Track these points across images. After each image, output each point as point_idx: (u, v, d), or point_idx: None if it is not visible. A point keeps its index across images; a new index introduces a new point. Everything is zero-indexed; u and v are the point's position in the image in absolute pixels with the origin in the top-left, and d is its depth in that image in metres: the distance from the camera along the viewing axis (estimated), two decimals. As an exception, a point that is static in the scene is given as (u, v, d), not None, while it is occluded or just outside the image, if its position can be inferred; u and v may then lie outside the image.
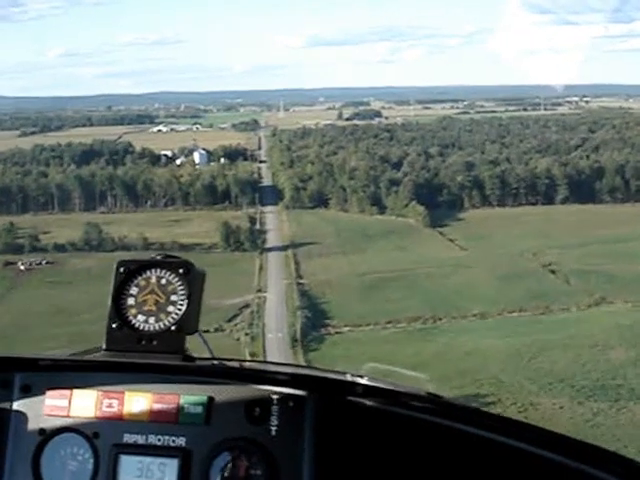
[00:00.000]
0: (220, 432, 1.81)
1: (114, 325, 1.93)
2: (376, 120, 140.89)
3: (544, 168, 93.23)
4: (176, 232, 79.49)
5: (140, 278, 1.95)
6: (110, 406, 1.87)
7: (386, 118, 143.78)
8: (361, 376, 1.91)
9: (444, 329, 55.95)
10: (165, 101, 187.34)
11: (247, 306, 60.90)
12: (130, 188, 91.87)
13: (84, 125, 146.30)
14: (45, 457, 1.88)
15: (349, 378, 1.91)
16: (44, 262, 73.33)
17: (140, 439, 1.84)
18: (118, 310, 1.94)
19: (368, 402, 1.82)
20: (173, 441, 1.82)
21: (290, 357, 48.22)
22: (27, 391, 1.93)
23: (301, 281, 67.54)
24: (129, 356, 1.89)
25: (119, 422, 1.86)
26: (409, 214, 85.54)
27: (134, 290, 1.95)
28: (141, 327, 1.92)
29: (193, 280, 1.93)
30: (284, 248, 77.29)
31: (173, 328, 1.90)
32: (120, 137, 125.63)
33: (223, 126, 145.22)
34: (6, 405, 1.93)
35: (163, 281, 1.94)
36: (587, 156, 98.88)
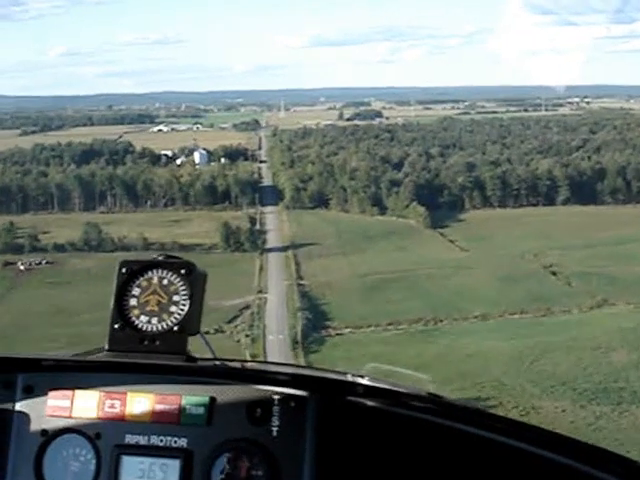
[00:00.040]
0: (222, 433, 1.81)
1: (116, 325, 1.93)
2: (377, 120, 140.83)
3: (545, 169, 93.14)
4: (176, 232, 79.36)
5: (142, 279, 1.95)
6: (112, 407, 1.87)
7: (387, 118, 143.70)
8: (362, 376, 1.91)
9: (445, 331, 55.80)
10: (166, 101, 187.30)
11: (247, 307, 60.75)
12: (130, 188, 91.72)
13: (84, 125, 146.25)
14: (47, 458, 1.88)
15: (350, 378, 1.91)
16: (44, 262, 73.21)
17: (142, 440, 1.84)
18: (120, 310, 1.94)
19: (369, 402, 1.82)
20: (175, 442, 1.83)
21: (291, 359, 48.02)
22: (29, 392, 1.93)
23: (301, 282, 67.38)
24: (132, 356, 1.89)
25: (121, 423, 1.86)
26: (410, 215, 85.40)
27: (136, 291, 1.94)
28: (144, 328, 1.92)
29: (195, 281, 1.94)
30: (284, 249, 77.15)
31: (175, 329, 1.90)
32: (120, 137, 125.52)
33: (224, 126, 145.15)
34: (8, 406, 1.93)
35: (165, 281, 1.94)
36: (588, 157, 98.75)
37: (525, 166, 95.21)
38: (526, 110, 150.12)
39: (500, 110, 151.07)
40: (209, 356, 2.02)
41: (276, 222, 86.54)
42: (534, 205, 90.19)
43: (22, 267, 71.99)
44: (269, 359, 47.37)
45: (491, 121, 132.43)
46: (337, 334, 55.59)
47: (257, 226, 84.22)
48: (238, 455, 1.78)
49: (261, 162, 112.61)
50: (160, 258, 1.97)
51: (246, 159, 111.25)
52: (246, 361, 2.29)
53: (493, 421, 1.79)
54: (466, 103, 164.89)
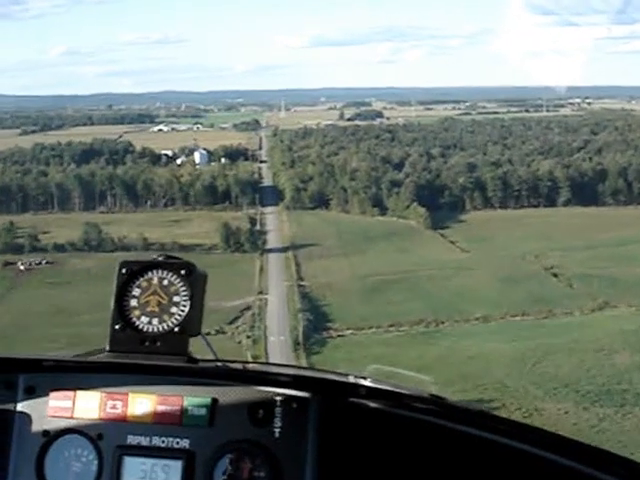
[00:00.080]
0: (224, 434, 1.82)
1: (117, 326, 1.93)
2: (377, 121, 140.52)
3: (546, 170, 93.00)
4: (176, 232, 79.19)
5: (142, 279, 1.94)
6: (114, 407, 1.87)
7: (388, 119, 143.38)
8: (364, 377, 1.92)
9: (447, 332, 55.63)
10: (166, 100, 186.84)
11: (248, 308, 60.56)
12: (130, 188, 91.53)
13: (85, 124, 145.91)
14: (49, 459, 1.88)
15: (352, 380, 1.92)
16: (44, 262, 73.04)
17: (144, 441, 1.84)
18: (121, 311, 1.93)
19: (371, 404, 1.83)
20: (177, 443, 1.83)
21: (292, 360, 47.89)
22: (31, 392, 1.93)
23: (302, 283, 67.19)
24: (133, 357, 1.89)
25: (123, 423, 1.86)
26: (410, 216, 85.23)
27: (136, 291, 1.94)
28: (144, 328, 1.92)
29: (195, 281, 1.93)
30: (285, 249, 76.98)
31: (176, 329, 1.91)
32: (121, 136, 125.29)
33: (224, 126, 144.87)
34: (10, 406, 1.93)
35: (165, 282, 1.93)
36: (590, 158, 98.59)
37: (526, 167, 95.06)
38: (527, 111, 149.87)
39: (501, 111, 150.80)
40: (210, 357, 2.02)
41: (276, 222, 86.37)
42: (535, 206, 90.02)
43: (22, 267, 71.82)
44: (271, 361, 47.21)
45: (492, 122, 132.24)
46: (338, 335, 55.42)
47: (257, 226, 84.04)
48: (240, 456, 1.78)
49: (261, 162, 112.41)
50: (160, 258, 1.96)
51: (246, 159, 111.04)
52: (248, 362, 2.28)
53: (496, 423, 1.78)
54: (467, 103, 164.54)
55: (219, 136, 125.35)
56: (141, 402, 1.86)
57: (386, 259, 72.39)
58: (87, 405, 1.88)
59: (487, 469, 1.75)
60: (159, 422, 1.84)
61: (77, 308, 58.45)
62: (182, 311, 1.91)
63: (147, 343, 1.90)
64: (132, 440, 1.84)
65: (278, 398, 1.81)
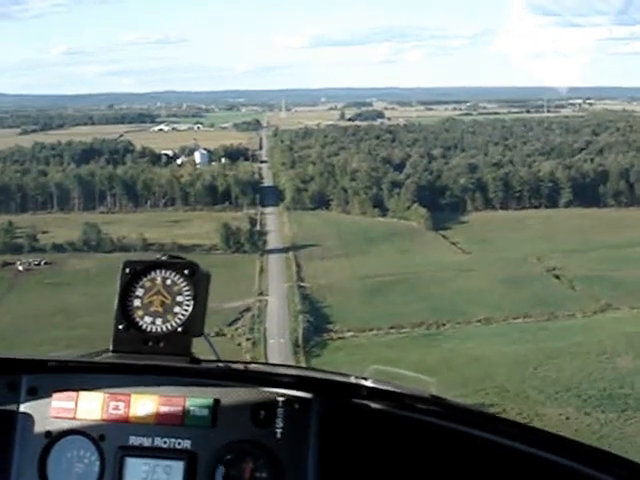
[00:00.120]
0: (226, 435, 1.83)
1: (121, 326, 1.93)
2: (378, 121, 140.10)
3: (547, 171, 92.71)
4: (176, 233, 78.90)
5: (145, 279, 1.95)
6: (116, 408, 1.88)
7: (388, 119, 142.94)
8: (365, 378, 1.91)
9: (448, 335, 55.25)
10: (167, 100, 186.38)
11: (248, 309, 60.23)
12: (130, 188, 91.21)
13: (85, 124, 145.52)
14: (51, 459, 1.89)
15: (354, 380, 1.93)
16: (43, 262, 72.70)
17: (146, 441, 1.85)
18: (125, 311, 1.94)
19: (373, 404, 1.84)
20: (179, 443, 1.84)
21: (292, 363, 47.63)
22: (34, 393, 1.94)
23: (302, 284, 66.86)
24: (136, 358, 1.90)
25: (125, 424, 1.87)
26: (411, 216, 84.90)
27: (140, 291, 1.95)
28: (148, 328, 1.92)
29: (198, 281, 1.94)
30: (285, 250, 76.68)
31: (180, 330, 1.91)
32: (121, 136, 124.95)
33: (225, 126, 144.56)
34: (13, 407, 1.94)
35: (168, 282, 1.94)
36: (591, 159, 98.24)
37: (527, 168, 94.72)
38: (528, 111, 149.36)
39: (502, 111, 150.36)
40: (213, 358, 2.01)
41: (276, 223, 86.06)
42: (536, 207, 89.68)
43: (21, 268, 71.48)
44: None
45: (493, 122, 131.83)
46: (339, 338, 55.05)
47: (257, 227, 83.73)
48: (242, 457, 1.79)
49: (262, 162, 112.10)
50: (164, 258, 1.96)
51: (247, 159, 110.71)
52: (250, 363, 2.24)
53: (496, 423, 1.80)
54: (468, 104, 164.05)
55: (220, 136, 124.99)
56: (143, 403, 1.85)
57: (387, 260, 72.09)
58: (89, 406, 1.87)
59: (488, 470, 1.75)
60: (161, 423, 1.83)
61: (77, 309, 58.21)
62: (185, 311, 1.90)
63: (150, 343, 1.90)
64: (134, 441, 1.84)
65: (280, 399, 1.81)
